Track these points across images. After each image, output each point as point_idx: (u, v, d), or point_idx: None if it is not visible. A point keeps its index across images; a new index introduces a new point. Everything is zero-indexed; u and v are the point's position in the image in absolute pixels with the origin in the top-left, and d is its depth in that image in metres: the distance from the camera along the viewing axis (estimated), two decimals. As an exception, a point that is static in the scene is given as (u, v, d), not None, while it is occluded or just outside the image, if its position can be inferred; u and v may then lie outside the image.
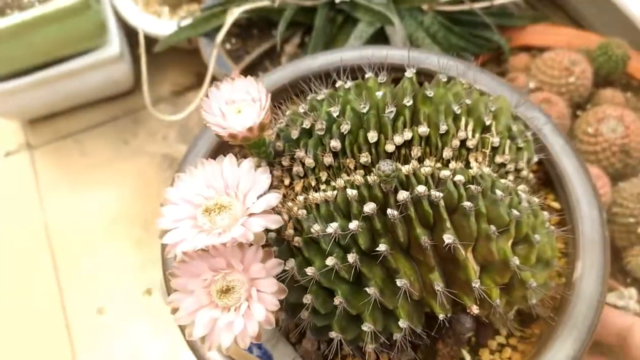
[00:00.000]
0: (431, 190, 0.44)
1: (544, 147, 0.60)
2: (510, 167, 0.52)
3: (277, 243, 0.49)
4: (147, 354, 0.92)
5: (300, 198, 0.49)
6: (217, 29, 1.02)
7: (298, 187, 0.50)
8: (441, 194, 0.44)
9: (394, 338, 0.47)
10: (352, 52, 0.65)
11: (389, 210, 0.44)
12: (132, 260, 1.01)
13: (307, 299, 0.46)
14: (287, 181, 0.51)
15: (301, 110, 0.52)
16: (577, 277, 0.54)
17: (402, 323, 0.45)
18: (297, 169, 0.50)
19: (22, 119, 1.16)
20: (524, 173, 0.53)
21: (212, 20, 1.01)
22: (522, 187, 0.50)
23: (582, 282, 0.53)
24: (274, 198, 0.43)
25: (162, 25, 1.08)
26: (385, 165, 0.43)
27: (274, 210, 0.43)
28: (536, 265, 0.48)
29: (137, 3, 1.11)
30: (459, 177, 0.45)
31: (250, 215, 0.43)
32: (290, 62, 0.66)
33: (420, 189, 0.44)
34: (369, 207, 0.44)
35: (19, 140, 1.15)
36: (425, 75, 0.64)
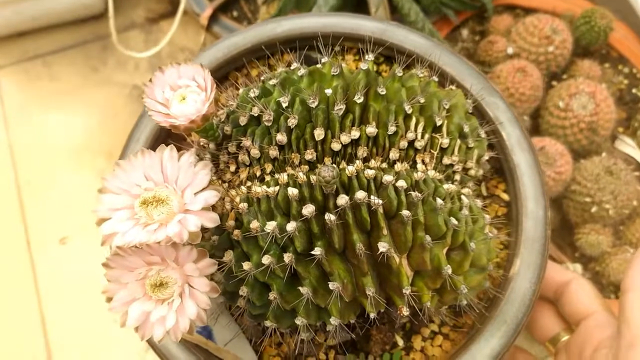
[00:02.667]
0: (371, 196, 0.44)
1: (500, 137, 0.60)
2: (458, 167, 0.52)
3: (217, 231, 0.49)
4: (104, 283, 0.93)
5: (244, 188, 0.49)
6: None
7: (243, 175, 0.50)
8: (381, 202, 0.44)
9: (327, 329, 0.49)
10: (317, 19, 0.63)
11: (326, 215, 0.44)
12: (94, 190, 1.01)
13: (243, 291, 0.47)
14: (233, 167, 0.51)
15: (252, 94, 0.50)
16: (513, 274, 0.55)
17: (334, 320, 0.47)
18: (242, 157, 0.49)
19: None
20: (472, 172, 0.53)
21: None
22: (466, 190, 0.50)
23: (517, 280, 0.55)
24: (213, 196, 0.43)
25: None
26: (326, 171, 0.43)
27: (213, 208, 0.43)
28: (469, 271, 0.49)
29: None
30: (401, 183, 0.45)
31: (187, 212, 0.43)
32: (252, 25, 0.64)
33: (360, 195, 0.44)
34: (307, 210, 0.44)
35: None
36: (392, 50, 0.63)
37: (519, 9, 0.97)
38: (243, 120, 0.50)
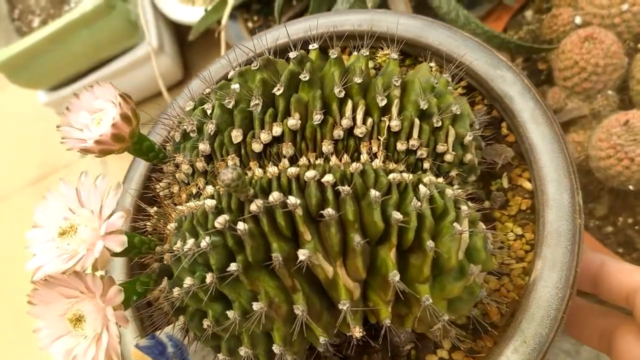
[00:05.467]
0: (289, 197, 0.38)
1: (511, 114, 0.49)
2: (422, 153, 0.42)
3: (160, 259, 0.45)
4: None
5: (180, 208, 0.45)
6: (242, 5, 0.99)
7: (183, 195, 0.46)
8: (297, 201, 0.37)
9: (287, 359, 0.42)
10: (297, 25, 0.58)
11: (238, 224, 0.38)
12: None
13: (180, 321, 0.42)
14: (175, 188, 0.47)
15: (188, 108, 0.47)
16: (534, 279, 0.43)
17: (277, 348, 0.40)
18: (179, 175, 0.46)
19: None
20: (449, 157, 0.43)
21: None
22: (427, 179, 0.41)
23: (538, 286, 0.43)
24: (119, 218, 0.40)
25: (196, 12, 1.07)
26: (225, 174, 0.37)
27: (123, 231, 0.40)
28: (445, 277, 0.39)
29: (174, -6, 1.11)
30: (327, 178, 0.38)
31: (100, 237, 0.40)
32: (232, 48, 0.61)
33: (273, 196, 0.37)
34: (219, 221, 0.38)
35: None
36: (381, 40, 0.55)
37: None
38: (177, 137, 0.46)
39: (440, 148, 0.43)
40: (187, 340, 0.48)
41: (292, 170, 0.39)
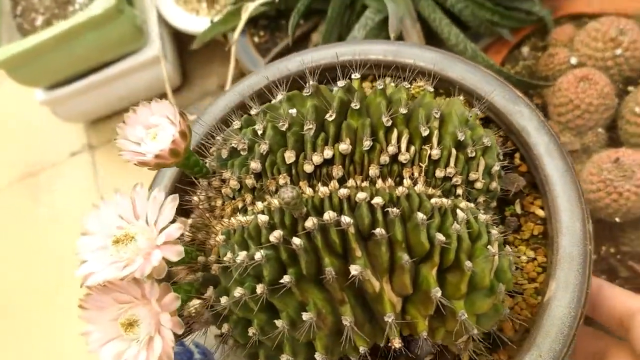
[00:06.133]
0: (342, 216, 0.41)
1: (527, 147, 0.54)
2: (457, 180, 0.46)
3: (204, 269, 0.48)
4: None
5: (227, 221, 0.48)
6: (250, 20, 1.01)
7: (228, 209, 0.49)
8: (351, 221, 0.40)
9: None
10: (323, 52, 0.62)
11: (293, 239, 0.41)
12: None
13: (224, 328, 0.45)
14: (219, 202, 0.50)
15: (235, 126, 0.50)
16: (549, 298, 0.48)
17: (319, 356, 0.43)
18: (225, 190, 0.48)
19: (84, 120, 1.23)
20: (479, 185, 0.47)
21: (240, 14, 1.00)
22: (464, 204, 0.45)
23: (552, 305, 0.47)
24: (176, 229, 0.42)
25: (200, 22, 1.09)
26: (285, 192, 0.40)
27: (179, 241, 0.43)
28: (475, 294, 0.43)
29: (178, 3, 1.13)
30: (377, 200, 0.41)
31: (157, 247, 0.42)
32: (265, 65, 0.64)
33: (327, 215, 0.41)
34: (274, 236, 0.41)
35: (82, 141, 1.23)
36: (402, 70, 0.59)
37: (584, 17, 0.88)
38: (224, 154, 0.49)
39: (472, 176, 0.47)
40: (216, 348, 0.51)
41: (343, 191, 0.42)
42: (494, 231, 0.45)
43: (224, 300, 0.44)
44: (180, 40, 1.19)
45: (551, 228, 0.51)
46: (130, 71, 1.09)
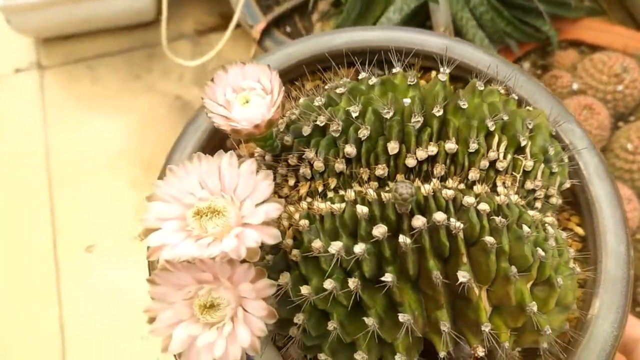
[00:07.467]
0: (451, 219, 0.39)
1: (577, 166, 0.55)
2: (540, 193, 0.46)
3: (273, 251, 0.44)
4: (127, 296, 0.88)
5: (304, 204, 0.44)
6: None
7: (303, 190, 0.45)
8: (462, 225, 0.39)
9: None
10: (379, 32, 0.59)
11: (401, 238, 0.39)
12: (127, 200, 0.96)
13: (299, 318, 0.42)
14: (291, 181, 0.46)
15: (317, 103, 0.46)
16: (593, 316, 0.50)
17: (399, 357, 0.41)
18: (304, 170, 0.45)
19: (37, 37, 1.10)
20: (554, 200, 0.48)
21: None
22: (550, 219, 0.45)
23: (597, 323, 0.49)
24: (275, 209, 0.38)
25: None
26: (404, 188, 0.38)
27: (273, 222, 0.39)
28: (553, 310, 0.44)
29: None
30: (483, 206, 0.40)
31: (245, 225, 0.38)
32: (308, 36, 0.60)
33: (439, 216, 0.39)
34: (379, 231, 0.39)
35: (30, 59, 1.09)
36: (460, 69, 0.58)
37: (584, 46, 0.92)
38: (307, 130, 0.45)
39: (551, 191, 0.47)
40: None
41: (449, 192, 0.41)
42: (571, 249, 0.45)
43: (305, 290, 0.41)
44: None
45: (594, 248, 0.53)
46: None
